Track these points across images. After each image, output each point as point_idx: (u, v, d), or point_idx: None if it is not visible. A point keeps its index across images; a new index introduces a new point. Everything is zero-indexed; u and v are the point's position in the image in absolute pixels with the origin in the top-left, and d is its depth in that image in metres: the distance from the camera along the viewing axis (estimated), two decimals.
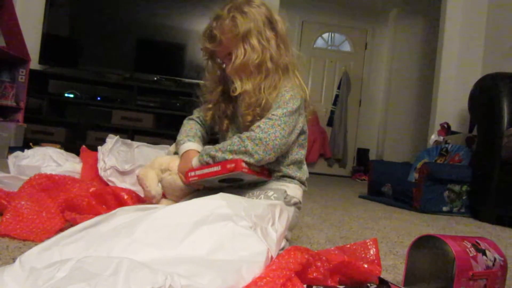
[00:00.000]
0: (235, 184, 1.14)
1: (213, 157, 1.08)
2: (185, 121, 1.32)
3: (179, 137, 1.24)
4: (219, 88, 1.23)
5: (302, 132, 1.17)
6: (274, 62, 1.12)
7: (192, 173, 1.10)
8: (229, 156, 1.05)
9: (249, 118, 1.12)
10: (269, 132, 1.05)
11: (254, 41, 1.10)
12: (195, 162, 1.12)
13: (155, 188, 1.18)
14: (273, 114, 1.07)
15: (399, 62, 5.62)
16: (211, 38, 1.13)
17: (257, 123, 1.08)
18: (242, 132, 1.11)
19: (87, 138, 3.61)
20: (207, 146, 1.13)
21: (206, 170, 1.07)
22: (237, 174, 1.05)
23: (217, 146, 1.10)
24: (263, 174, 1.13)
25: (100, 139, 3.35)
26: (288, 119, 1.08)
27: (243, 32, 1.09)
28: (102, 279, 0.54)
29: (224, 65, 1.19)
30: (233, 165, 1.03)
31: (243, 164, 1.03)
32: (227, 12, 1.12)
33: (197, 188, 1.18)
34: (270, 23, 1.14)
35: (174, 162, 1.19)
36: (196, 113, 1.33)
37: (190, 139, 1.22)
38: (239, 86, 1.12)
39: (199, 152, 1.16)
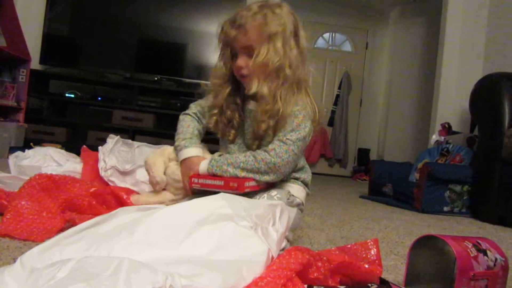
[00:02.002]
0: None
1: (224, 172, 1.07)
2: (181, 117, 1.28)
3: (176, 140, 1.22)
4: (227, 89, 1.19)
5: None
6: (292, 71, 1.11)
7: (196, 180, 1.09)
8: (240, 174, 1.06)
9: (264, 126, 1.10)
10: (283, 158, 1.06)
11: (278, 44, 1.09)
12: (203, 168, 1.10)
13: (160, 175, 1.18)
14: (287, 139, 1.08)
15: (400, 62, 5.62)
16: (236, 25, 1.11)
17: (272, 146, 1.08)
18: (248, 143, 1.14)
19: (88, 138, 3.62)
20: (217, 156, 1.12)
21: (209, 182, 1.08)
22: (238, 193, 1.05)
23: (230, 159, 1.08)
24: (263, 186, 1.13)
25: (101, 139, 3.37)
26: (301, 143, 1.09)
27: (271, 32, 1.09)
28: (103, 279, 0.54)
29: (234, 62, 1.15)
30: (236, 185, 1.03)
31: (246, 184, 1.04)
32: (258, 8, 1.11)
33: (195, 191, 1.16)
34: (295, 34, 1.14)
35: None
36: (193, 108, 1.30)
37: (187, 143, 1.18)
38: (255, 86, 1.10)
39: (199, 156, 1.15)
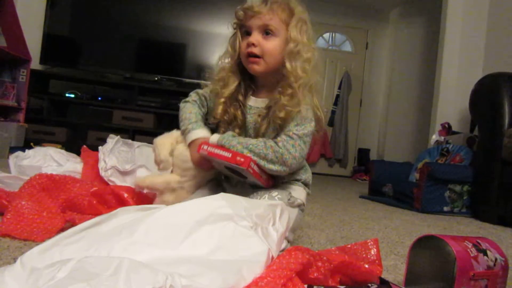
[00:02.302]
0: (238, 179, 1.15)
1: (232, 147, 1.07)
2: (181, 105, 1.27)
3: (182, 126, 1.21)
4: (235, 82, 1.18)
5: None
6: (311, 69, 1.12)
7: (205, 147, 1.09)
8: (247, 153, 1.05)
9: (283, 114, 1.08)
10: (290, 151, 1.05)
11: (305, 35, 1.11)
12: (213, 139, 1.11)
13: (165, 154, 1.19)
14: (294, 133, 1.07)
15: (400, 62, 5.62)
16: (264, 2, 1.11)
17: (279, 138, 1.08)
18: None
19: (88, 138, 3.62)
20: (231, 134, 1.12)
21: (217, 151, 1.07)
22: (242, 169, 1.05)
23: (241, 139, 1.09)
24: (266, 181, 1.13)
25: (101, 139, 3.38)
26: (308, 139, 1.09)
27: (299, 16, 1.10)
28: (103, 279, 0.54)
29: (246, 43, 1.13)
30: (242, 160, 1.03)
31: (252, 164, 1.04)
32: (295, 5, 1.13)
33: (204, 167, 1.16)
34: (312, 39, 1.15)
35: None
36: (193, 96, 1.28)
37: (194, 126, 1.18)
38: (289, 66, 1.09)
39: (206, 137, 1.15)
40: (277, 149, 1.05)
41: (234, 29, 1.18)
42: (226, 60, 1.19)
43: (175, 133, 1.24)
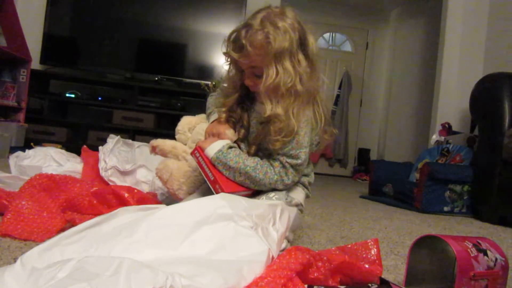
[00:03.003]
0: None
1: (225, 168, 1.08)
2: (208, 97, 1.35)
3: (207, 109, 1.29)
4: (236, 94, 1.19)
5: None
6: (303, 85, 1.07)
7: (198, 155, 1.12)
8: (238, 178, 1.08)
9: (278, 145, 1.07)
10: (284, 179, 1.10)
11: (286, 63, 1.04)
12: (210, 152, 1.09)
13: (183, 126, 1.39)
14: (287, 162, 1.09)
15: (400, 62, 5.62)
16: (238, 47, 1.05)
17: (277, 164, 1.09)
18: (252, 144, 1.16)
19: (88, 138, 3.62)
20: (227, 149, 1.10)
21: (205, 167, 1.10)
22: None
23: (238, 157, 1.08)
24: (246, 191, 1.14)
25: (101, 139, 3.38)
26: (301, 167, 1.12)
27: (277, 51, 1.02)
28: (103, 279, 0.54)
29: (244, 75, 1.14)
30: (219, 190, 1.06)
31: (228, 190, 1.06)
32: (259, 24, 1.03)
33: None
34: (302, 43, 1.08)
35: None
36: (218, 90, 1.35)
37: (215, 110, 1.24)
38: (268, 109, 1.06)
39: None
40: (272, 176, 1.09)
41: (229, 63, 1.18)
42: (230, 74, 1.20)
43: (202, 115, 1.38)
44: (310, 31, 1.11)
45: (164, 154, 1.33)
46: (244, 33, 1.04)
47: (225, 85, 1.23)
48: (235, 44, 1.06)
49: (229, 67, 1.18)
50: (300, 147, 1.09)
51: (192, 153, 1.14)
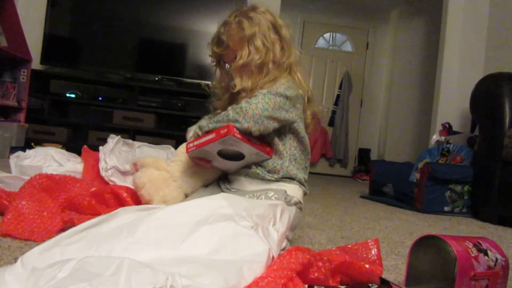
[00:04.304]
0: (236, 161, 1.16)
1: (206, 130, 1.13)
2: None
3: (202, 123, 1.27)
4: (227, 95, 1.29)
5: (296, 132, 1.18)
6: (276, 63, 1.18)
7: (191, 145, 1.15)
8: (215, 125, 1.11)
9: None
10: (251, 103, 1.09)
11: (258, 43, 1.16)
12: (190, 135, 1.21)
13: (180, 150, 1.30)
14: (259, 92, 1.13)
15: (400, 61, 5.62)
16: (219, 42, 1.20)
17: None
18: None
19: (89, 138, 3.62)
20: (202, 120, 1.21)
21: (202, 140, 1.12)
22: (231, 141, 1.07)
23: (209, 120, 1.18)
24: (261, 146, 1.14)
25: (102, 139, 3.37)
26: (273, 97, 1.11)
27: (249, 35, 1.15)
28: (104, 279, 0.54)
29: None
30: (225, 130, 1.06)
31: (236, 129, 1.07)
32: (233, 18, 1.19)
33: (201, 163, 1.20)
34: (275, 27, 1.20)
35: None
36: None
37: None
38: (238, 84, 1.18)
39: None
40: (236, 106, 1.10)
41: (215, 64, 1.30)
42: (219, 78, 1.32)
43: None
44: (281, 18, 1.24)
45: (144, 167, 1.29)
46: (222, 29, 1.20)
47: (216, 90, 1.32)
48: (217, 41, 1.21)
49: (216, 70, 1.31)
50: (276, 88, 1.12)
51: (187, 151, 1.16)
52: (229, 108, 1.12)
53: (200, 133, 1.15)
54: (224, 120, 1.10)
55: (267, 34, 1.17)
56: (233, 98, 1.27)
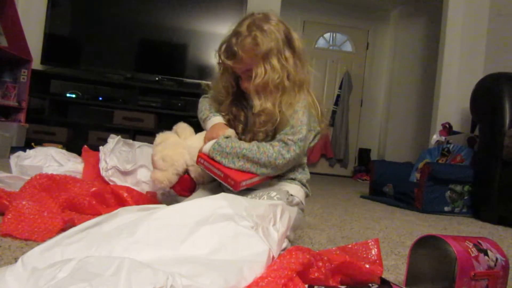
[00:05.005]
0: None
1: (223, 157, 1.10)
2: (200, 99, 1.35)
3: (202, 115, 1.28)
4: (230, 99, 1.24)
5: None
6: (291, 80, 1.14)
7: (202, 160, 1.15)
8: (237, 164, 1.09)
9: (262, 136, 1.15)
10: (285, 157, 1.09)
11: (274, 61, 1.11)
12: (206, 148, 1.14)
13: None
14: (289, 139, 1.10)
15: (400, 62, 5.61)
16: (230, 54, 1.13)
17: (276, 143, 1.11)
18: (247, 132, 1.18)
19: (89, 138, 3.62)
20: (223, 139, 1.14)
21: (211, 168, 1.12)
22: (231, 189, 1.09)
23: (233, 143, 1.11)
24: (258, 182, 1.15)
25: (102, 139, 3.37)
26: (302, 144, 1.11)
27: (265, 52, 1.10)
28: (104, 279, 0.54)
29: (239, 79, 1.20)
30: (232, 182, 1.07)
31: (242, 184, 1.07)
32: (247, 30, 1.12)
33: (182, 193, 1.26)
34: (288, 41, 1.15)
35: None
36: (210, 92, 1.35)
37: (214, 114, 1.25)
38: (258, 105, 1.13)
39: (221, 123, 1.22)
40: (271, 154, 1.08)
41: (222, 70, 1.23)
42: (222, 83, 1.25)
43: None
44: (293, 29, 1.18)
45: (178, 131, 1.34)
46: (234, 40, 1.12)
47: (218, 92, 1.27)
48: (228, 52, 1.14)
49: (220, 75, 1.24)
50: (300, 124, 1.11)
51: (197, 162, 1.16)
52: (263, 149, 1.09)
53: (218, 150, 1.11)
54: (253, 160, 1.08)
55: (281, 49, 1.13)
56: (237, 99, 1.24)
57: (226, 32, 1.19)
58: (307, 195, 1.24)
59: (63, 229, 1.00)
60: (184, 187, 1.35)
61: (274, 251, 0.77)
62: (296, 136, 1.10)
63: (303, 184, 1.22)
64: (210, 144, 1.14)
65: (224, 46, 1.15)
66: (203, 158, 1.14)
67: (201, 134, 1.29)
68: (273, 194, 1.11)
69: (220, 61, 1.17)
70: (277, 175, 1.18)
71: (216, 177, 1.12)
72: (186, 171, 1.29)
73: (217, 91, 1.27)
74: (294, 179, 1.19)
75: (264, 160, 1.08)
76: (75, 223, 1.04)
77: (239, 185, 1.07)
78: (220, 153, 1.11)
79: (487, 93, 2.55)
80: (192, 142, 1.28)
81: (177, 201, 1.31)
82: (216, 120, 1.24)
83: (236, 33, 1.13)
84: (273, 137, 1.15)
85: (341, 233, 1.54)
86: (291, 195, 1.14)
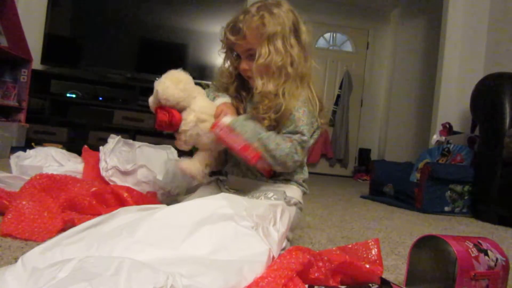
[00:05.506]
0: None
1: (243, 130, 1.07)
2: (205, 91, 1.33)
3: (208, 96, 1.27)
4: (234, 84, 1.23)
5: None
6: (294, 68, 1.12)
7: (218, 130, 1.10)
8: (254, 143, 1.06)
9: (267, 122, 1.11)
10: (294, 157, 1.09)
11: (278, 44, 1.10)
12: (226, 119, 1.11)
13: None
14: (294, 139, 1.09)
15: (400, 62, 5.61)
16: (235, 30, 1.13)
17: (292, 138, 1.10)
18: None
19: (89, 138, 3.62)
20: (243, 117, 1.13)
21: (229, 139, 1.08)
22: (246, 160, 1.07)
23: (255, 126, 1.09)
24: (268, 172, 1.18)
25: (102, 139, 3.38)
26: (306, 145, 1.11)
27: (270, 33, 1.09)
28: (104, 279, 0.54)
29: (239, 61, 1.19)
30: (249, 156, 1.05)
31: (258, 160, 1.06)
32: (256, 10, 1.12)
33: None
34: (296, 30, 1.15)
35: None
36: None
37: (223, 94, 1.24)
38: (259, 86, 1.11)
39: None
40: (284, 148, 1.07)
41: (225, 50, 1.23)
42: (226, 65, 1.25)
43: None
44: (304, 22, 1.18)
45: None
46: (242, 17, 1.12)
47: (221, 79, 1.26)
48: (233, 28, 1.13)
49: (224, 57, 1.23)
50: (302, 124, 1.10)
51: (212, 128, 1.12)
52: (279, 139, 1.08)
53: (235, 125, 1.08)
54: (269, 149, 1.06)
55: (287, 35, 1.12)
56: (242, 84, 1.23)
57: None
58: (304, 193, 1.23)
59: (63, 229, 1.00)
60: (164, 119, 1.26)
61: (274, 251, 0.77)
62: (300, 138, 1.10)
63: (299, 184, 1.22)
64: (229, 117, 1.12)
65: (231, 22, 1.15)
66: (221, 127, 1.10)
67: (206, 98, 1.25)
68: (270, 194, 1.11)
69: (223, 38, 1.17)
70: (273, 175, 1.19)
71: (231, 148, 1.09)
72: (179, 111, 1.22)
73: (220, 75, 1.26)
74: (289, 180, 1.20)
75: (276, 153, 1.07)
76: (75, 223, 1.04)
77: (256, 160, 1.05)
78: (241, 127, 1.08)
79: (487, 93, 2.55)
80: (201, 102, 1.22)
81: (177, 201, 1.31)
82: (224, 99, 1.22)
83: (245, 11, 1.13)
84: (275, 128, 1.13)
85: (341, 233, 1.54)
86: (288, 195, 1.14)
